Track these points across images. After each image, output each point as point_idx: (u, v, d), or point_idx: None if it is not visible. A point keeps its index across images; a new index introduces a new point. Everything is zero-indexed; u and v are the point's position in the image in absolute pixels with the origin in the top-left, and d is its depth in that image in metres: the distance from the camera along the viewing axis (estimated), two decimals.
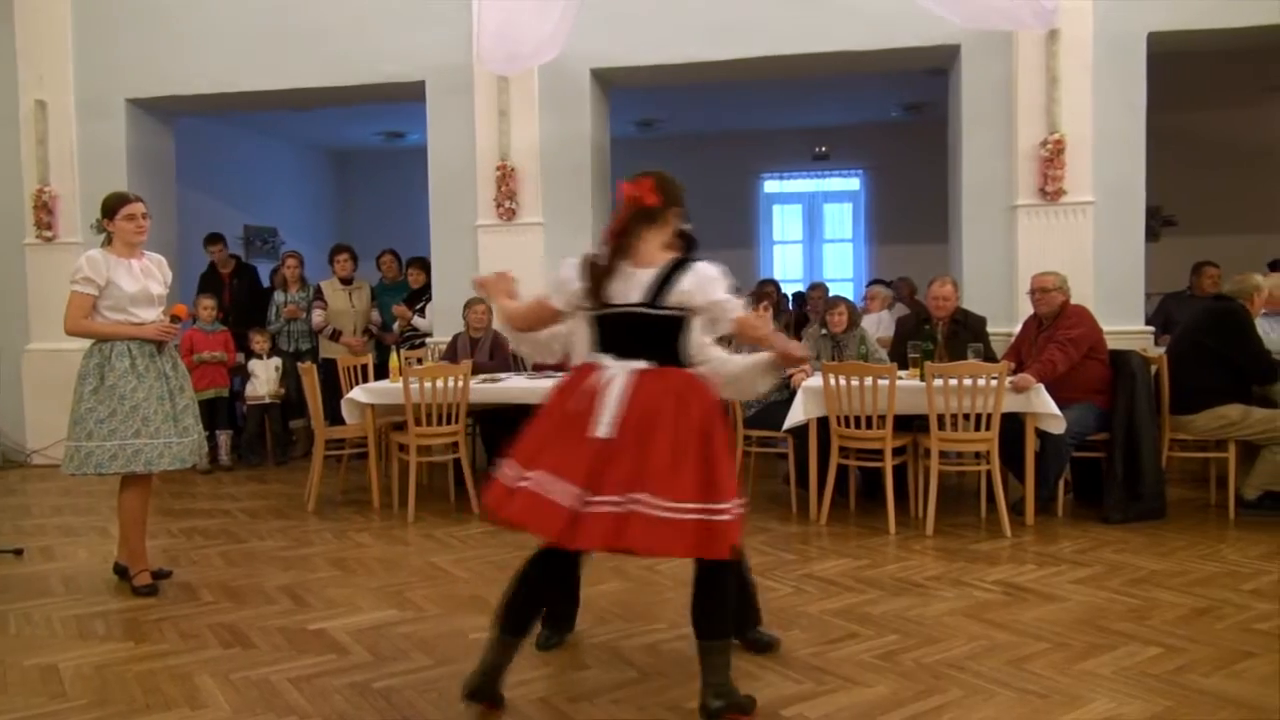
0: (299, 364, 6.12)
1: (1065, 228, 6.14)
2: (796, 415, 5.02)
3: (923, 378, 4.85)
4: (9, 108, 7.39)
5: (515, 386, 5.56)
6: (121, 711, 2.91)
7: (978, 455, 4.96)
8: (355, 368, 6.38)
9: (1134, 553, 4.42)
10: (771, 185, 11.38)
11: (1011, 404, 4.83)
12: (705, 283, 2.71)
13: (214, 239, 8.07)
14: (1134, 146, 6.12)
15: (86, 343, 4.08)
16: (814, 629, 3.47)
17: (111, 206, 4.05)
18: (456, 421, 5.39)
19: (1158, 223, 9.22)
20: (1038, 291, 5.32)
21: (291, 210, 11.10)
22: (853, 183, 11.24)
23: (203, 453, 4.27)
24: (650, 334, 2.73)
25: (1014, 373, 4.91)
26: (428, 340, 7.05)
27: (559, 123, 6.81)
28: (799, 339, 5.66)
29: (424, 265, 7.46)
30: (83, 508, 5.80)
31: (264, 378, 7.20)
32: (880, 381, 4.79)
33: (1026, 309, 5.61)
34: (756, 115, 9.97)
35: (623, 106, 8.22)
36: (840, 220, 11.39)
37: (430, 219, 7.08)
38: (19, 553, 4.72)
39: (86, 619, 3.76)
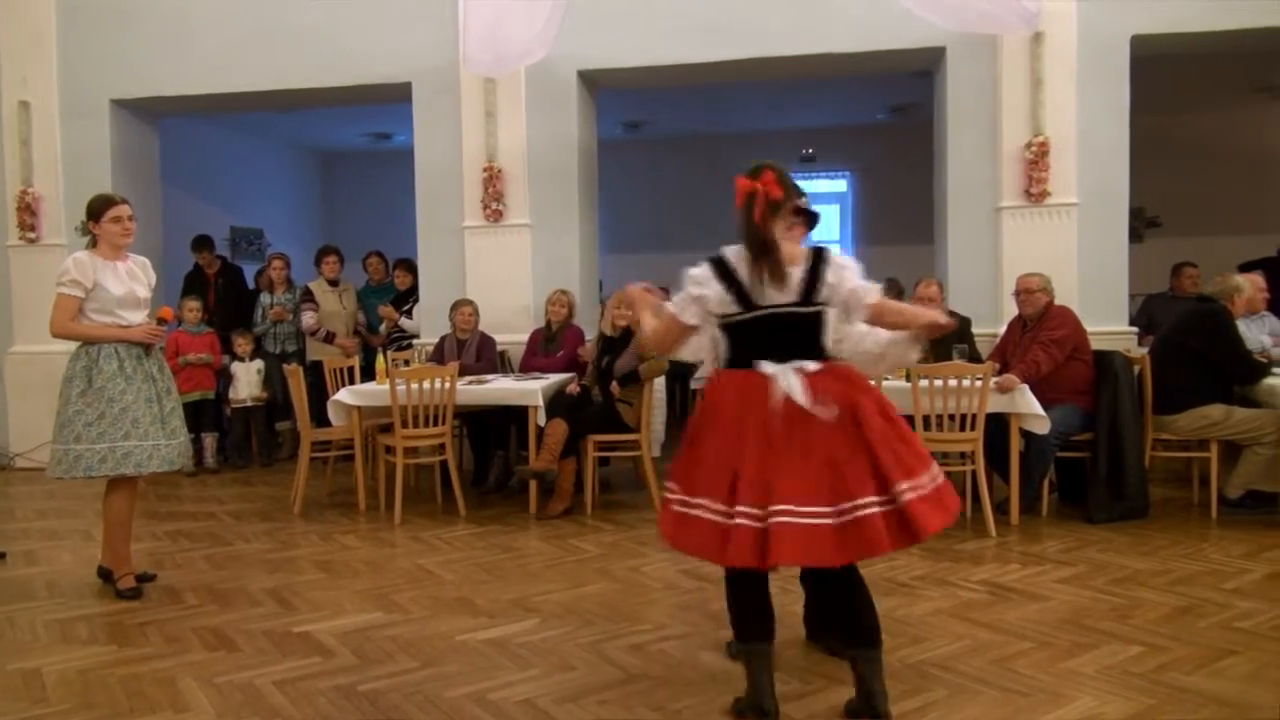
0: (284, 366, 6.09)
1: (1049, 229, 6.18)
2: None
3: (908, 378, 4.87)
4: None
5: (502, 388, 5.56)
6: (105, 716, 2.90)
7: (963, 456, 4.99)
8: (342, 370, 6.36)
9: (1117, 552, 4.45)
10: None
11: (996, 404, 4.86)
12: (845, 272, 2.68)
13: (201, 244, 8.02)
14: (1118, 148, 6.16)
15: (71, 345, 4.07)
16: (799, 629, 3.46)
17: (97, 208, 4.02)
18: (443, 423, 5.38)
19: (1141, 224, 9.29)
20: (1023, 293, 5.36)
21: (277, 211, 11.06)
22: (840, 184, 11.28)
23: (188, 455, 4.26)
24: (801, 332, 2.67)
25: (999, 373, 4.94)
26: (415, 342, 7.04)
27: (546, 124, 6.81)
28: None
29: (410, 267, 7.45)
30: (67, 511, 5.76)
31: (246, 380, 7.17)
32: None
33: (1011, 310, 5.64)
34: (743, 117, 10.00)
35: (610, 108, 8.22)
36: (827, 222, 11.42)
37: (417, 220, 7.06)
38: (2, 557, 4.69)
39: (70, 623, 3.74)
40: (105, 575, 4.17)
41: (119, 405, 3.93)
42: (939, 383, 4.75)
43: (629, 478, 6.34)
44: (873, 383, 2.83)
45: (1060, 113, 6.12)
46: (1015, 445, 4.95)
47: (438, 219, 6.97)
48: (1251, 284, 5.51)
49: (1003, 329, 5.76)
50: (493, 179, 6.75)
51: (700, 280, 2.71)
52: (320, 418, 5.93)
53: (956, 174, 6.42)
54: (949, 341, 5.35)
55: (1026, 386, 4.89)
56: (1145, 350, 5.55)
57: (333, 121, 9.92)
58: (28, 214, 7.29)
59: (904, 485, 2.53)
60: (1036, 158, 6.10)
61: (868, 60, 6.58)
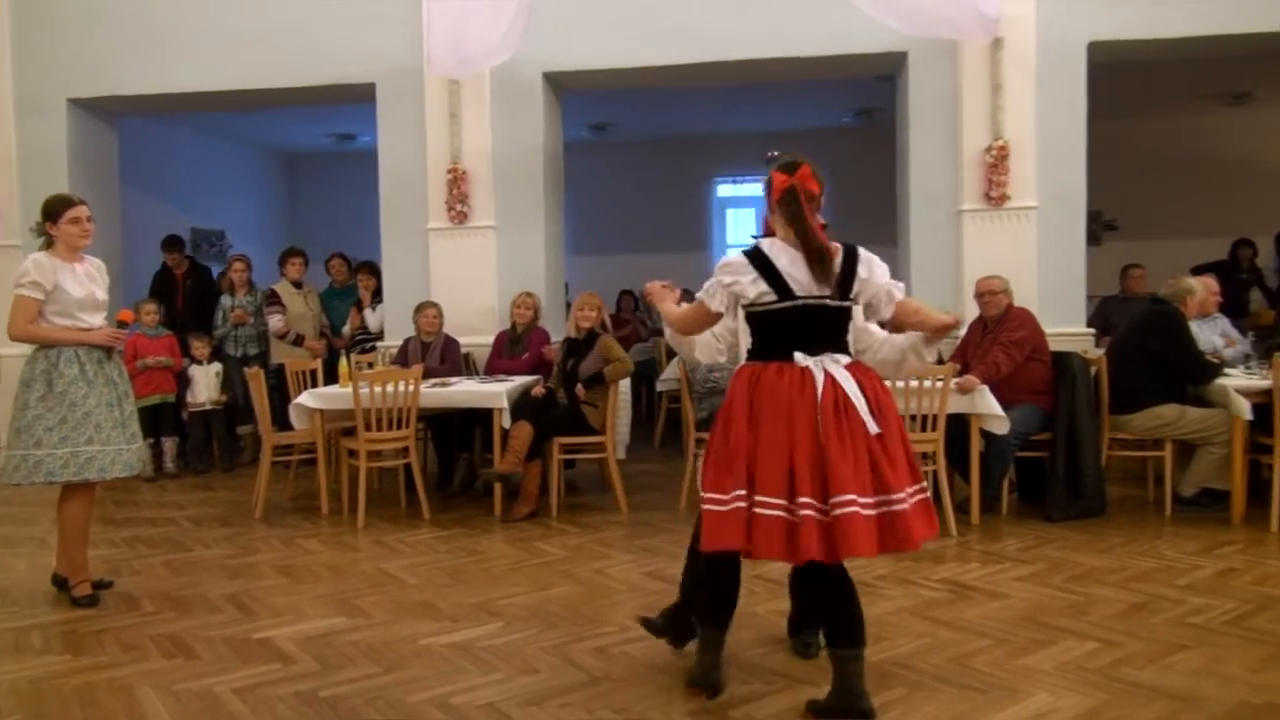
0: (245, 369, 6.02)
1: (1009, 231, 6.26)
2: None
3: None
4: None
5: (467, 390, 5.54)
6: None
7: (924, 456, 5.02)
8: (304, 372, 6.29)
9: (1075, 550, 4.52)
10: (725, 189, 11.45)
11: (957, 405, 4.92)
12: (876, 268, 2.74)
13: (171, 245, 7.92)
14: (1075, 152, 6.26)
15: (25, 348, 3.99)
16: (761, 629, 3.49)
17: (55, 209, 3.95)
18: (407, 426, 5.35)
19: (1099, 227, 9.45)
20: (985, 294, 5.43)
21: (239, 212, 10.93)
22: None
23: (147, 460, 4.19)
24: (831, 326, 2.71)
25: (959, 374, 5.00)
26: (378, 345, 6.99)
27: (511, 126, 6.79)
28: None
29: (373, 270, 7.39)
30: (21, 518, 5.65)
31: (204, 383, 7.06)
32: None
33: (973, 311, 5.71)
34: (709, 119, 10.03)
35: (576, 110, 8.22)
36: None
37: (381, 222, 7.01)
38: None
39: (23, 631, 3.67)
40: (60, 583, 4.09)
41: (81, 409, 3.86)
42: (900, 384, 4.80)
43: (594, 480, 6.34)
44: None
45: (1019, 117, 6.20)
46: (975, 445, 5.01)
47: (402, 221, 6.92)
48: (1204, 286, 5.63)
49: (964, 331, 5.82)
50: (457, 181, 6.72)
51: (735, 269, 2.74)
52: (283, 421, 5.86)
53: (918, 177, 6.49)
54: None
55: (986, 388, 4.95)
56: (1102, 351, 5.64)
57: (296, 122, 9.82)
58: None
59: (899, 495, 2.63)
60: (996, 161, 6.19)
61: (831, 64, 6.63)
